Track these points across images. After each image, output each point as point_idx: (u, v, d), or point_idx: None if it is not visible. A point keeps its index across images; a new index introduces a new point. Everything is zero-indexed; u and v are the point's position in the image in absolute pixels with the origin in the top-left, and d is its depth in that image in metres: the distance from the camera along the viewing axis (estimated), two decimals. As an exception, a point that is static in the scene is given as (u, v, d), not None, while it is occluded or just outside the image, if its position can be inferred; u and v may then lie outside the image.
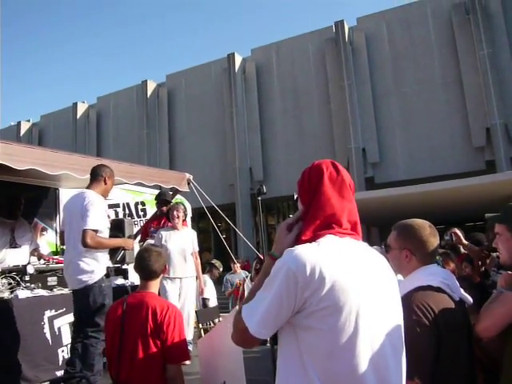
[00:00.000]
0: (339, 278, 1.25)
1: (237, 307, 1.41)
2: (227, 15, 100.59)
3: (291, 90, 23.15)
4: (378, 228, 19.85)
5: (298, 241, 1.40)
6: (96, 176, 3.95)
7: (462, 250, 4.49)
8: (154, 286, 2.78)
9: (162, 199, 6.15)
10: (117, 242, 4.09)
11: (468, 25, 19.83)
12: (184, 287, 5.46)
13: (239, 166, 23.14)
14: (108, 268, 3.78)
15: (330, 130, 21.81)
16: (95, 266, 3.69)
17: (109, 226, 3.96)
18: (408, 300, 1.66)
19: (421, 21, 20.94)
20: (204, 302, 7.63)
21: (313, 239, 1.36)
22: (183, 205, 5.83)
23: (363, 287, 1.30)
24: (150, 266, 2.73)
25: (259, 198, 3.10)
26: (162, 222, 6.00)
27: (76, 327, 3.79)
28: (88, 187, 3.93)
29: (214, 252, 24.24)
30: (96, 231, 3.65)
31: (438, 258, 3.49)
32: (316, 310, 1.23)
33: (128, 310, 2.62)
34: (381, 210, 14.01)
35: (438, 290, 1.87)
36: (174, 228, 5.58)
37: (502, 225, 2.10)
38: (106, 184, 3.95)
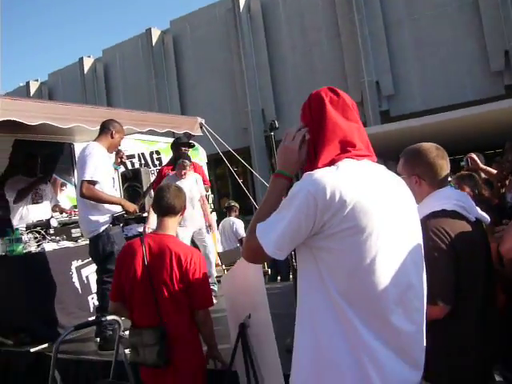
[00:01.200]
0: (361, 200, 1.25)
1: None
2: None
3: (299, 26, 22.32)
4: (395, 162, 19.60)
5: (312, 164, 1.39)
6: (104, 129, 3.98)
7: (483, 175, 4.42)
8: (172, 226, 2.64)
9: (181, 142, 5.77)
10: (114, 199, 3.96)
11: None
12: (197, 232, 5.36)
13: (251, 108, 22.81)
14: (113, 216, 3.84)
15: (341, 65, 21.14)
16: (99, 216, 3.80)
17: (112, 175, 4.07)
18: (423, 226, 1.67)
19: None
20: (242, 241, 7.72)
21: (330, 164, 1.35)
22: (189, 158, 5.54)
23: (384, 208, 1.30)
24: (170, 199, 2.58)
25: (272, 133, 3.05)
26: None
27: (96, 274, 3.97)
28: (95, 140, 3.96)
29: (232, 197, 24.47)
30: (94, 182, 3.71)
31: (451, 184, 3.44)
32: (337, 232, 1.24)
33: (150, 255, 2.51)
34: (398, 143, 13.76)
35: (453, 213, 1.84)
36: (179, 177, 5.37)
37: None
38: (112, 138, 3.98)
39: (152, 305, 2.46)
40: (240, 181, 7.52)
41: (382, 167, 1.44)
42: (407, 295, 1.31)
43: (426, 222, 1.77)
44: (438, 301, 1.68)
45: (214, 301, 2.63)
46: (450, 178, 2.06)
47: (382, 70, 20.21)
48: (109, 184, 3.96)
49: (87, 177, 3.67)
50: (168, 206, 2.58)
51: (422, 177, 1.93)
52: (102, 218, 3.82)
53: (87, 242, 4.57)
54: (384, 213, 1.29)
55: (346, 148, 1.38)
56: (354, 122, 1.43)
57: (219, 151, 6.34)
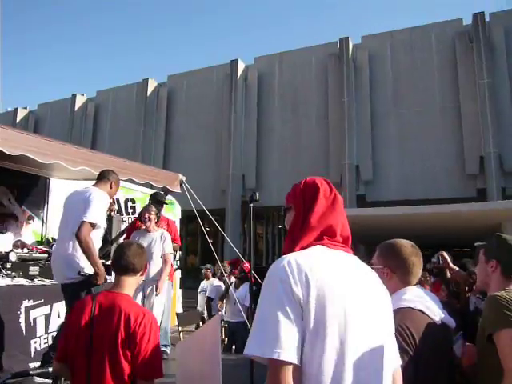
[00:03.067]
0: (325, 283, 1.26)
1: (220, 313, 1.37)
2: (233, 22, 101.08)
3: (291, 100, 23.23)
4: (364, 246, 19.86)
5: (289, 246, 1.42)
6: (103, 178, 3.99)
7: (448, 274, 4.48)
8: (129, 286, 2.43)
9: (161, 200, 5.82)
10: (98, 262, 3.65)
11: (470, 53, 20.05)
12: (148, 290, 5.12)
13: (233, 172, 23.12)
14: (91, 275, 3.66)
15: (326, 144, 21.87)
16: (85, 263, 3.61)
17: (105, 226, 3.93)
18: None
19: (424, 45, 21.16)
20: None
21: (305, 248, 1.39)
22: (154, 206, 5.47)
23: (350, 295, 1.30)
24: (130, 257, 2.41)
25: (251, 205, 3.08)
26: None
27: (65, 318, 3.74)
28: (94, 186, 3.93)
29: (200, 255, 24.14)
30: (94, 225, 3.61)
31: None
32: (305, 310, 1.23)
33: (98, 313, 2.30)
34: (370, 228, 14.05)
35: (419, 312, 1.86)
36: (146, 230, 5.32)
37: (481, 249, 2.15)
38: (111, 188, 4.00)
39: (84, 369, 2.21)
40: (210, 241, 7.45)
41: (355, 258, 1.46)
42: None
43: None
44: None
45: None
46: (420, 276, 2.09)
47: (363, 155, 20.97)
48: (100, 233, 3.84)
49: (90, 219, 3.55)
50: (127, 264, 2.41)
51: (393, 270, 1.96)
52: (87, 267, 3.61)
53: (43, 282, 4.41)
54: (350, 300, 1.29)
55: (323, 236, 1.42)
56: (341, 216, 1.49)
57: (194, 209, 6.31)
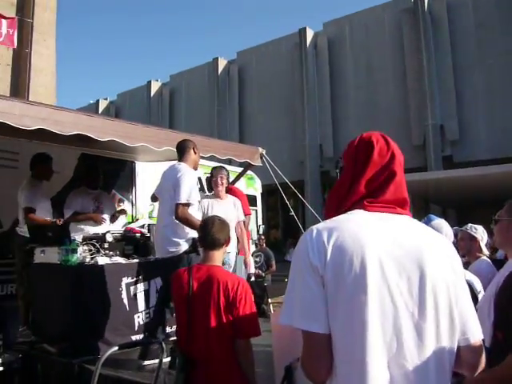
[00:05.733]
0: (346, 249, 1.17)
1: None
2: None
3: (365, 64, 22.36)
4: (455, 210, 18.91)
5: (330, 211, 1.37)
6: (185, 148, 4.10)
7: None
8: (218, 258, 2.72)
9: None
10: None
11: None
12: (228, 261, 4.88)
13: (309, 142, 22.87)
14: (195, 240, 3.84)
15: (405, 106, 20.88)
16: (183, 238, 3.83)
17: (199, 198, 4.07)
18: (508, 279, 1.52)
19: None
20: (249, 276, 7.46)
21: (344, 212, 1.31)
22: (226, 170, 5.20)
23: (382, 261, 1.17)
24: (214, 233, 2.67)
25: (337, 171, 2.97)
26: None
27: (165, 293, 3.94)
28: (180, 161, 4.07)
29: (281, 229, 24.32)
30: (188, 204, 3.78)
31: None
32: (327, 280, 1.17)
33: (196, 285, 2.58)
34: (459, 191, 13.32)
35: None
36: (216, 196, 4.99)
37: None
38: (195, 154, 4.11)
39: (186, 330, 2.56)
40: (291, 214, 7.41)
41: (405, 221, 1.30)
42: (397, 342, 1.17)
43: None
44: None
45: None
46: None
47: (447, 113, 19.76)
48: (196, 207, 4.01)
49: (183, 199, 3.72)
50: (213, 240, 2.68)
51: None
52: (182, 241, 3.84)
53: (138, 260, 4.62)
54: (377, 264, 1.17)
55: (363, 200, 1.31)
56: (397, 176, 1.33)
57: (277, 182, 6.28)
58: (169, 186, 3.87)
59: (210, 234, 2.67)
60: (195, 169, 4.14)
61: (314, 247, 1.20)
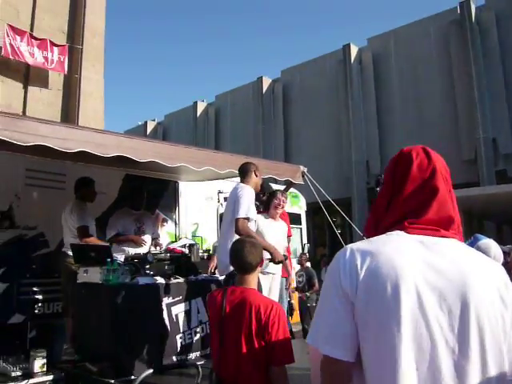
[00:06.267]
0: (379, 274, 1.07)
1: None
2: (342, 7, 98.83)
3: (411, 77, 21.89)
4: (510, 227, 18.00)
5: (370, 230, 1.31)
6: (247, 172, 4.25)
7: None
8: (252, 280, 2.66)
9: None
10: (265, 243, 4.01)
11: None
12: (274, 283, 4.89)
13: (355, 158, 22.52)
14: None
15: (454, 119, 20.20)
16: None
17: (256, 216, 4.18)
18: None
19: None
20: None
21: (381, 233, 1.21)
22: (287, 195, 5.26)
23: (418, 287, 1.06)
24: (244, 257, 2.60)
25: (377, 189, 2.84)
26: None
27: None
28: (241, 182, 4.22)
29: (328, 247, 23.93)
30: (248, 219, 3.90)
31: None
32: (357, 309, 1.09)
33: (228, 307, 2.54)
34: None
35: None
36: (270, 217, 4.97)
37: None
38: (256, 176, 4.25)
39: (217, 354, 2.52)
40: (338, 232, 7.24)
41: (454, 247, 1.16)
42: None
43: None
44: None
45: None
46: None
47: (500, 126, 18.96)
48: (253, 223, 4.13)
49: (242, 214, 3.85)
50: (243, 263, 2.63)
51: None
52: None
53: (179, 280, 4.62)
54: (413, 291, 1.06)
55: (403, 220, 1.20)
56: (439, 193, 1.21)
57: (319, 201, 6.17)
58: (231, 202, 4.06)
59: (241, 258, 2.63)
60: (256, 190, 4.27)
61: (346, 269, 1.12)
